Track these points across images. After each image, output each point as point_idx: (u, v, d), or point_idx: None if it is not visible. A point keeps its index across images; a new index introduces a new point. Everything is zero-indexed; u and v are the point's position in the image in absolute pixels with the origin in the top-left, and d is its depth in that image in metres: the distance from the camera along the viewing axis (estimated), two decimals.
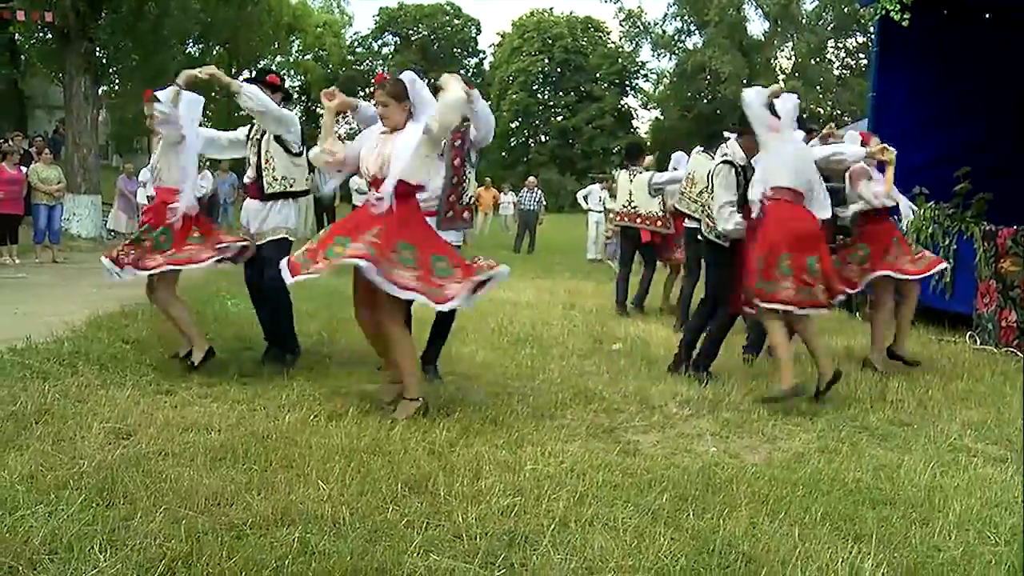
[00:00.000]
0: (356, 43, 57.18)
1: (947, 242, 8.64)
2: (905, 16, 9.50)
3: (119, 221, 17.49)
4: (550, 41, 54.37)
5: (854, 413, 5.30)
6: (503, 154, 53.26)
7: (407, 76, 5.19)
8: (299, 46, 51.39)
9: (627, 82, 53.96)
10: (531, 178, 23.50)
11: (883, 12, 9.78)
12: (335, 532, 3.05)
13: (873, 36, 10.66)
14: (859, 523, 3.34)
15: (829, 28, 42.58)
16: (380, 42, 57.47)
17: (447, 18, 56.91)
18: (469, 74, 58.59)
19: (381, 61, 57.00)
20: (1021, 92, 10.02)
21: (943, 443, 4.65)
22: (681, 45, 47.62)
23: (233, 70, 45.42)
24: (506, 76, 54.72)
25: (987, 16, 10.23)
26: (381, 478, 3.58)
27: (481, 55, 59.50)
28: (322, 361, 6.26)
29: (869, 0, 10.25)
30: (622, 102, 54.96)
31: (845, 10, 40.52)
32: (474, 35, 58.57)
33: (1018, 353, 7.47)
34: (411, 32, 56.61)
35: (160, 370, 5.61)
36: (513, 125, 56.45)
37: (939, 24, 9.75)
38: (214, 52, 35.71)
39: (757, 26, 44.74)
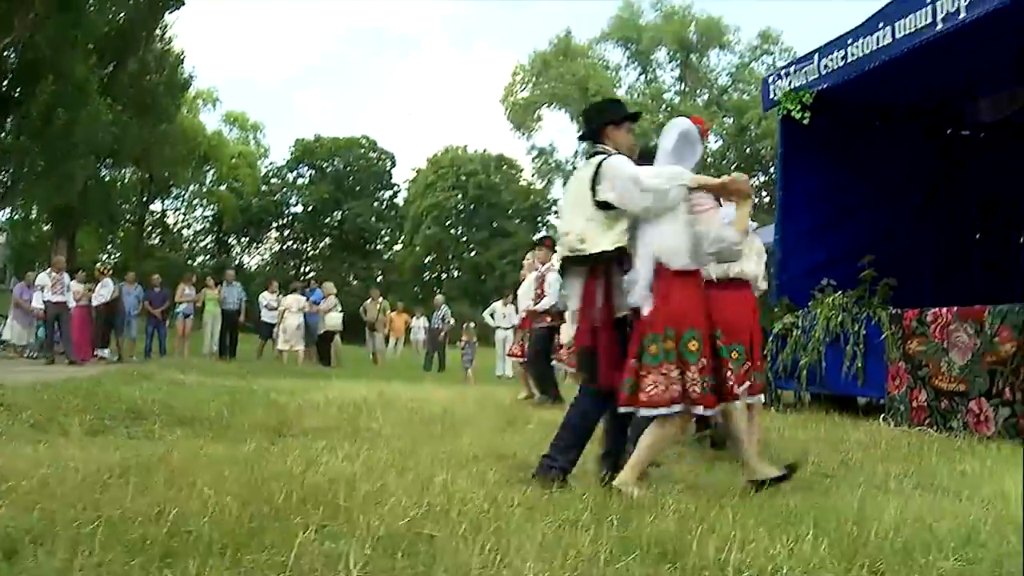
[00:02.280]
0: (271, 174, 57.40)
1: (856, 328, 8.74)
2: (805, 115, 9.89)
3: (14, 332, 16.99)
4: (464, 177, 55.39)
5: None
6: (415, 288, 53.31)
7: None
8: (214, 175, 51.46)
9: (539, 218, 55.08)
10: (437, 297, 23.74)
11: (785, 112, 10.17)
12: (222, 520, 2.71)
13: (777, 140, 11.03)
14: (796, 524, 3.13)
15: (732, 168, 44.56)
16: (295, 173, 57.77)
17: (362, 151, 57.67)
18: (383, 207, 59.17)
19: (295, 192, 57.25)
20: (918, 187, 10.46)
21: (869, 484, 4.51)
22: None
23: (146, 196, 45.33)
24: (420, 211, 55.29)
25: (877, 123, 10.71)
26: (276, 492, 3.26)
27: (395, 188, 60.20)
28: None
29: (772, 103, 10.65)
30: (534, 238, 55.71)
31: (747, 150, 42.57)
32: (389, 169, 59.34)
33: (931, 431, 7.46)
34: (326, 164, 57.10)
35: None
36: (426, 260, 56.80)
37: (838, 124, 10.13)
38: (126, 173, 35.58)
39: None
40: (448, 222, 56.31)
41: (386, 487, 3.46)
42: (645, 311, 4.18)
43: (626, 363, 4.18)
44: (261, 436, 5.41)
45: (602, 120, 4.77)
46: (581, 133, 5.05)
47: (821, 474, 5.00)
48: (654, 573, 2.50)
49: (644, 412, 4.07)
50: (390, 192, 60.19)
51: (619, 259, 4.40)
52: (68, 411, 6.17)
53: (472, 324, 22.27)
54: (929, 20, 8.26)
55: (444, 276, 57.34)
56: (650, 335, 4.11)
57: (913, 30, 8.45)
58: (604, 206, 4.38)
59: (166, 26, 29.34)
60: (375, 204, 58.72)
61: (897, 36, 8.68)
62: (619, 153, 4.56)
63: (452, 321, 22.64)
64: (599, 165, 4.46)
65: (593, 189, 4.42)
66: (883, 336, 8.34)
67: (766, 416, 8.66)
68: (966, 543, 2.90)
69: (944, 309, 7.83)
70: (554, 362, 10.43)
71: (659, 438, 4.13)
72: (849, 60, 9.41)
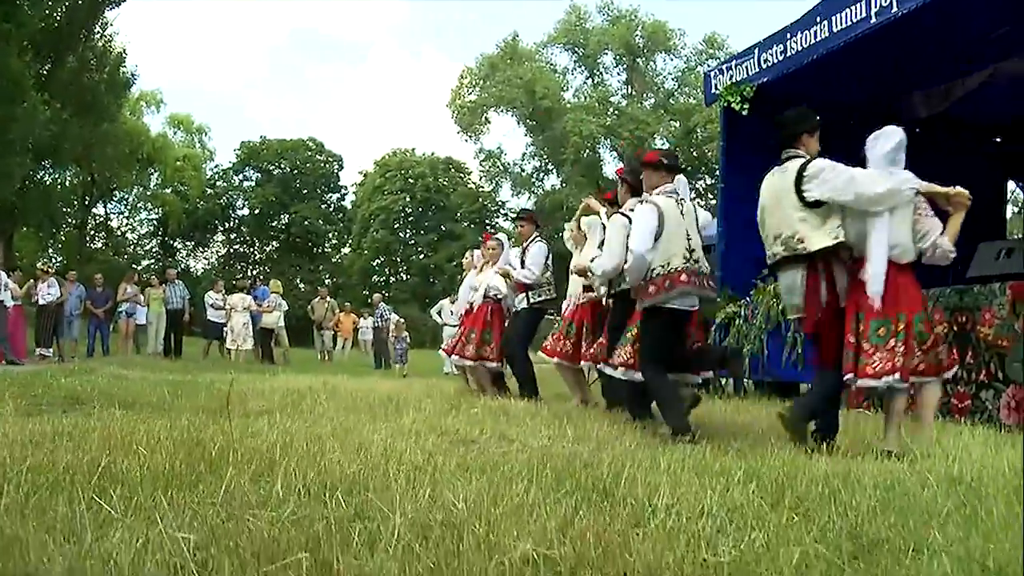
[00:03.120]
0: (217, 176, 56.67)
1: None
2: (745, 106, 10.05)
3: None
4: (412, 180, 55.17)
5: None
6: (364, 291, 52.95)
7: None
8: (158, 178, 50.68)
9: (487, 220, 55.03)
10: (376, 296, 23.93)
11: (726, 104, 10.33)
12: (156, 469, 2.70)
13: (720, 132, 11.19)
14: (729, 475, 3.20)
15: (682, 168, 44.61)
16: (241, 176, 57.09)
17: (309, 153, 57.15)
18: (330, 210, 58.72)
19: (241, 195, 56.59)
20: None
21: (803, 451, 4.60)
22: (539, 184, 49.31)
23: (88, 199, 44.45)
24: (368, 214, 54.98)
25: (818, 118, 10.88)
26: (213, 450, 3.24)
27: (343, 191, 59.77)
28: None
29: (714, 97, 10.81)
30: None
31: (694, 153, 42.96)
32: (336, 171, 58.87)
33: (868, 412, 7.61)
34: (272, 166, 56.48)
35: None
36: (375, 263, 56.46)
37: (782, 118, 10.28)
38: (67, 175, 34.89)
39: (612, 166, 46.79)
40: (396, 225, 56.07)
41: (324, 449, 3.46)
42: (876, 301, 4.73)
43: (846, 341, 4.80)
44: (203, 416, 5.35)
45: (800, 128, 5.26)
46: (779, 139, 5.37)
47: (759, 444, 5.09)
48: (583, 510, 2.55)
49: (864, 383, 4.74)
50: (337, 195, 59.79)
51: (836, 253, 4.94)
52: (2, 398, 6.04)
53: (402, 320, 22.42)
54: (864, 14, 8.44)
55: (392, 279, 57.05)
56: (880, 319, 4.70)
57: (848, 24, 8.63)
58: (814, 204, 4.92)
59: (107, 23, 28.78)
60: (322, 207, 58.24)
61: (833, 30, 8.86)
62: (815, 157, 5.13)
63: (395, 318, 22.70)
64: (802, 167, 4.98)
65: (799, 191, 4.95)
66: None
67: (711, 402, 8.81)
68: (888, 489, 2.99)
69: None
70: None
71: (901, 404, 4.81)
72: (788, 54, 9.57)
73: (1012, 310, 6.63)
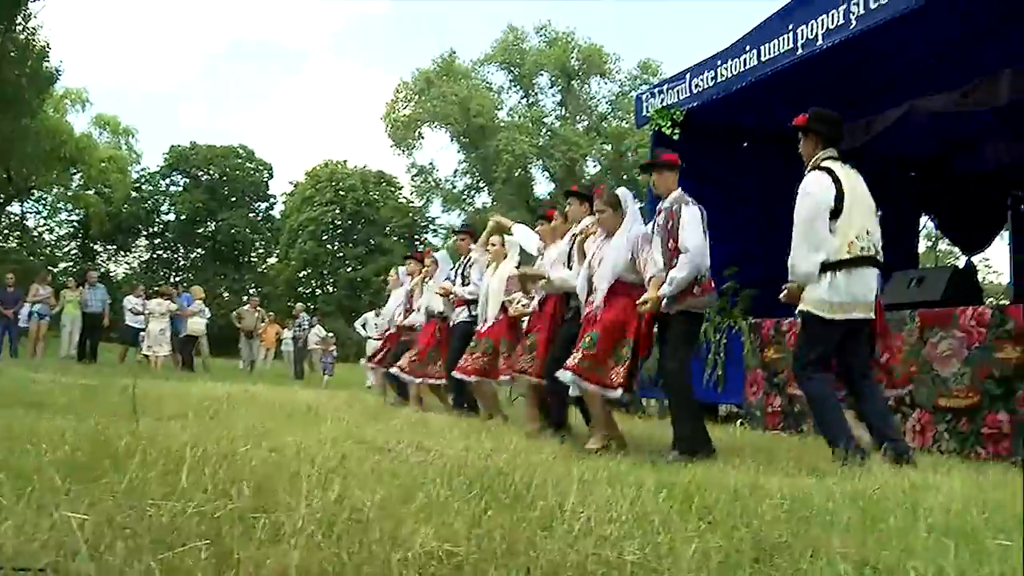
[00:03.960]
0: (143, 180, 55.52)
1: (718, 337, 9.06)
2: (675, 131, 10.23)
3: None
4: (342, 193, 54.77)
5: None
6: (289, 302, 52.35)
7: (623, 191, 6.19)
8: (81, 179, 49.44)
9: (416, 236, 54.91)
10: (298, 305, 23.74)
11: (656, 128, 10.49)
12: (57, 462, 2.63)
13: (649, 155, 11.32)
14: (640, 485, 3.24)
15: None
16: (168, 180, 56.02)
17: (239, 161, 56.35)
18: (258, 219, 57.96)
19: (168, 199, 55.51)
20: (782, 206, 10.86)
21: (717, 466, 4.69)
22: (470, 201, 49.33)
23: (2, 197, 43.07)
24: (296, 224, 54.43)
25: (744, 144, 11.14)
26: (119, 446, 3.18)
27: (272, 200, 59.07)
28: None
29: (644, 120, 10.97)
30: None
31: (624, 177, 43.45)
32: (266, 180, 58.16)
33: (783, 434, 7.78)
34: (201, 172, 55.52)
35: None
36: (301, 274, 55.86)
37: (707, 143, 10.49)
38: None
39: (543, 186, 47.17)
40: (325, 237, 55.59)
41: (235, 449, 3.42)
42: None
43: None
44: (114, 417, 5.23)
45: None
46: (832, 134, 5.50)
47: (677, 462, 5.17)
48: (492, 511, 2.56)
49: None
50: (266, 204, 59.11)
51: None
52: None
53: (332, 334, 22.29)
54: (790, 46, 8.66)
55: (319, 291, 56.47)
56: None
57: (776, 55, 8.85)
58: None
59: (30, 15, 27.98)
60: (250, 215, 57.45)
61: (762, 59, 9.07)
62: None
63: (324, 333, 22.53)
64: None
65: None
66: (743, 345, 8.68)
67: (630, 422, 8.91)
68: (793, 500, 3.07)
69: (792, 320, 8.19)
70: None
71: None
72: (718, 80, 9.77)
73: (920, 336, 6.85)
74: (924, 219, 13.51)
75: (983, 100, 9.74)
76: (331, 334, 22.82)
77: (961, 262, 13.61)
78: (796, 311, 5.36)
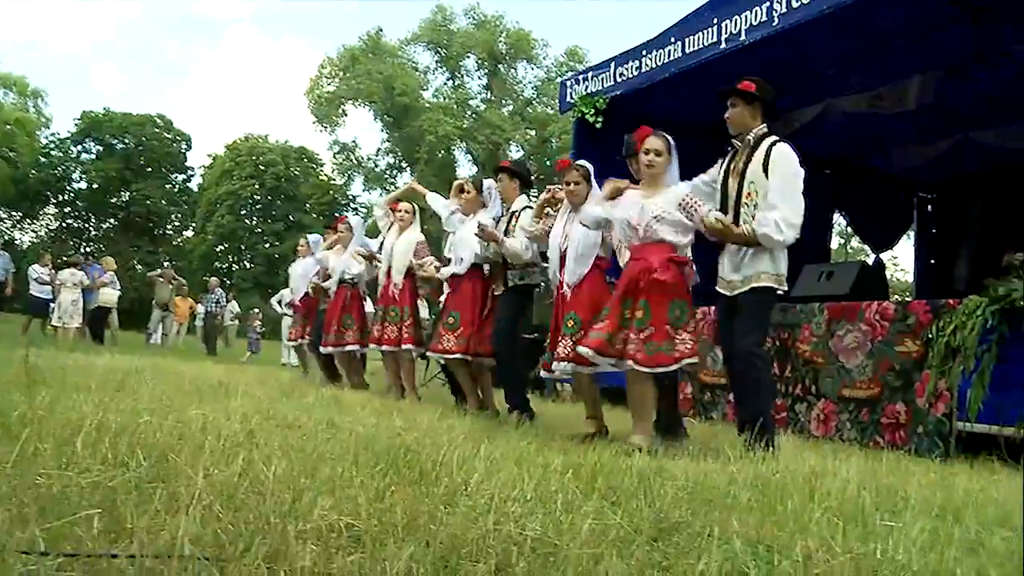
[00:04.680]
0: (52, 145, 53.60)
1: None
2: (598, 120, 10.28)
3: None
4: (262, 167, 53.81)
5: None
6: (205, 276, 51.35)
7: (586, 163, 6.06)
8: None
9: (337, 214, 54.26)
10: (212, 279, 23.16)
11: (580, 115, 10.54)
12: None
13: (571, 142, 11.39)
14: (546, 466, 3.27)
15: (533, 178, 45.21)
16: (80, 147, 54.16)
17: (156, 130, 54.75)
18: (174, 191, 56.61)
19: (79, 167, 53.70)
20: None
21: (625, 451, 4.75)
22: (392, 181, 48.89)
23: None
24: (214, 198, 53.33)
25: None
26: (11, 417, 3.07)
27: (190, 172, 57.68)
28: None
29: (568, 106, 11.02)
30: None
31: (547, 162, 43.62)
32: (184, 151, 56.72)
33: (694, 421, 7.91)
34: (115, 140, 53.81)
35: None
36: (218, 248, 54.77)
37: (630, 132, 10.57)
38: None
39: (466, 169, 47.01)
40: (243, 211, 54.64)
41: (138, 421, 3.34)
42: None
43: None
44: (9, 388, 5.05)
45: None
46: (771, 114, 5.30)
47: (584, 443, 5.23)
48: (396, 487, 2.56)
49: None
50: (183, 176, 57.68)
51: None
52: None
53: (256, 310, 21.95)
54: (714, 39, 8.79)
55: (235, 266, 55.50)
56: None
57: (700, 47, 8.96)
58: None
59: None
60: (167, 187, 56.00)
61: (686, 51, 9.18)
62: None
63: (226, 303, 22.11)
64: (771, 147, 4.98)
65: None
66: None
67: (545, 403, 8.98)
68: (697, 482, 3.14)
69: (712, 307, 8.33)
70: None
71: None
72: (642, 70, 9.85)
73: (828, 329, 7.05)
74: (837, 216, 13.90)
75: (894, 103, 10.06)
76: (255, 310, 22.43)
77: (872, 259, 14.00)
78: (752, 287, 5.07)
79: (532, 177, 7.00)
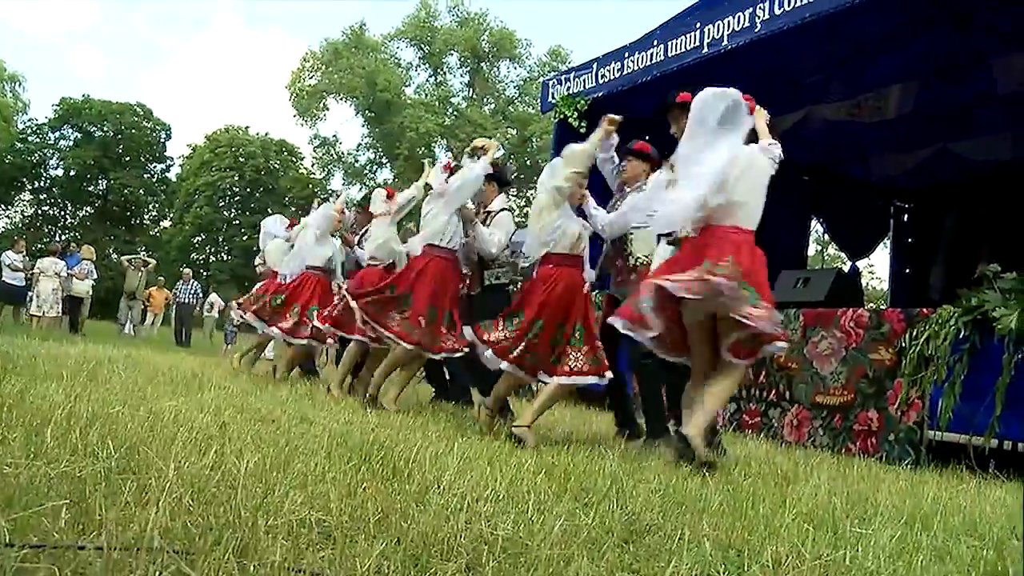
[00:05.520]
0: (30, 131, 53.01)
1: None
2: (582, 124, 10.27)
3: None
4: (242, 159, 53.41)
5: None
6: (181, 267, 51.00)
7: None
8: None
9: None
10: (187, 270, 22.90)
11: (561, 116, 10.55)
12: None
13: (551, 143, 11.39)
14: (519, 466, 3.27)
15: (513, 176, 45.54)
16: (58, 134, 53.54)
17: (136, 119, 54.22)
18: (153, 181, 56.17)
19: (56, 154, 53.12)
20: None
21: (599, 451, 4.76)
22: (372, 176, 48.78)
23: None
24: (193, 188, 52.92)
25: (647, 137, 11.30)
26: None
27: (168, 162, 57.19)
28: None
29: (550, 106, 11.02)
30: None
31: (528, 163, 43.66)
32: (163, 141, 56.25)
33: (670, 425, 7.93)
34: (94, 128, 53.27)
35: None
36: (195, 240, 54.30)
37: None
38: None
39: None
40: (221, 203, 54.19)
41: (109, 411, 3.31)
42: None
43: None
44: None
45: None
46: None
47: (560, 443, 5.23)
48: (368, 483, 2.55)
49: None
50: (163, 165, 57.17)
51: None
52: None
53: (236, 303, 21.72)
54: (696, 43, 8.83)
55: (213, 258, 55.09)
56: None
57: (682, 51, 9.01)
58: None
59: None
60: (145, 176, 55.50)
61: (669, 54, 9.22)
62: None
63: (210, 297, 21.95)
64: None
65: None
66: None
67: (520, 403, 8.97)
68: (670, 485, 3.16)
69: None
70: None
71: None
72: (624, 72, 9.88)
73: (803, 335, 7.09)
74: (814, 223, 13.99)
75: (874, 112, 10.15)
76: (235, 302, 22.24)
77: (848, 267, 14.10)
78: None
79: (513, 176, 6.98)
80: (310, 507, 2.16)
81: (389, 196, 7.75)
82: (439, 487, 2.64)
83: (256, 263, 10.58)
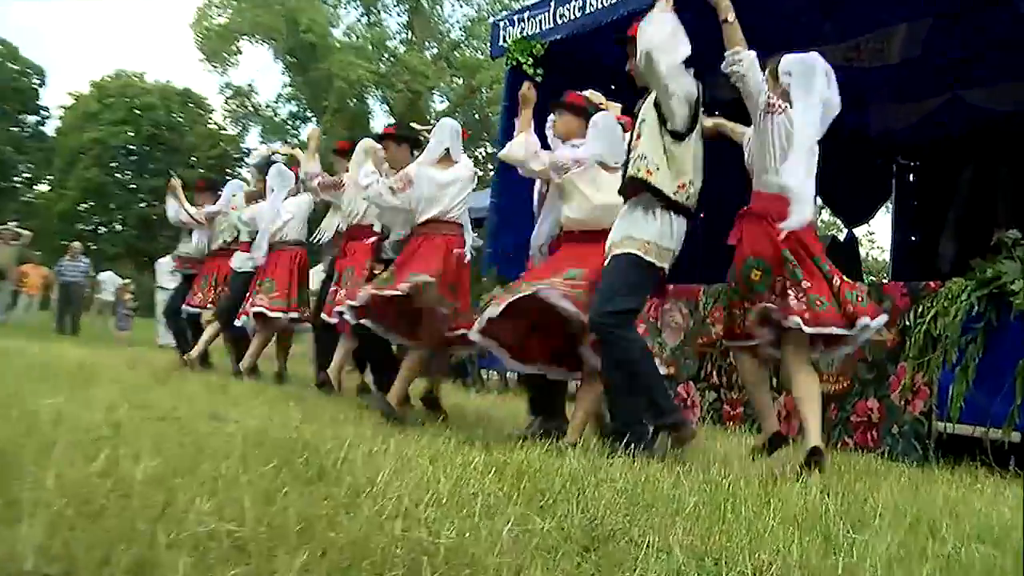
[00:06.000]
0: None
1: None
2: (538, 72, 10.25)
3: None
4: (138, 112, 52.48)
5: None
6: (63, 241, 50.17)
7: None
8: None
9: (229, 169, 53.41)
10: (75, 243, 22.28)
11: (514, 63, 10.52)
12: None
13: (503, 92, 11.36)
14: (465, 465, 3.30)
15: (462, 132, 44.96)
16: None
17: None
18: (24, 136, 55.05)
19: None
20: None
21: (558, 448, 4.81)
22: (295, 132, 48.33)
23: None
24: (77, 146, 51.91)
25: (612, 87, 11.33)
26: None
27: (44, 114, 56.03)
28: None
29: (501, 50, 10.99)
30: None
31: (476, 116, 43.63)
32: (36, 87, 55.11)
33: None
34: None
35: None
36: (81, 207, 53.32)
37: (570, 83, 10.59)
38: None
39: (381, 120, 46.58)
40: (113, 163, 53.22)
41: None
42: None
43: None
44: None
45: None
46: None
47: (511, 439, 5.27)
48: (290, 488, 2.56)
49: None
50: (36, 118, 55.98)
51: None
52: None
53: (129, 281, 21.42)
54: None
55: (103, 229, 54.20)
56: None
57: None
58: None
59: None
60: (13, 130, 54.25)
61: None
62: None
63: (106, 276, 21.58)
64: None
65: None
66: None
67: (467, 393, 9.02)
68: (638, 485, 3.20)
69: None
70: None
71: None
72: (587, 11, 9.86)
73: None
74: None
75: (875, 56, 10.21)
76: (127, 281, 21.87)
77: (844, 235, 14.26)
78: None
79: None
80: (220, 517, 2.15)
81: None
82: (372, 490, 2.65)
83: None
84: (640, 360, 4.86)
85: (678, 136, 4.89)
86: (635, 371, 4.80)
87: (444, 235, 6.34)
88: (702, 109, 5.11)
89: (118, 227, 53.96)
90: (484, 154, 42.83)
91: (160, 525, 2.02)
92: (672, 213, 4.90)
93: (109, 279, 23.01)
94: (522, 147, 5.74)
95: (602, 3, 9.61)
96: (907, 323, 6.31)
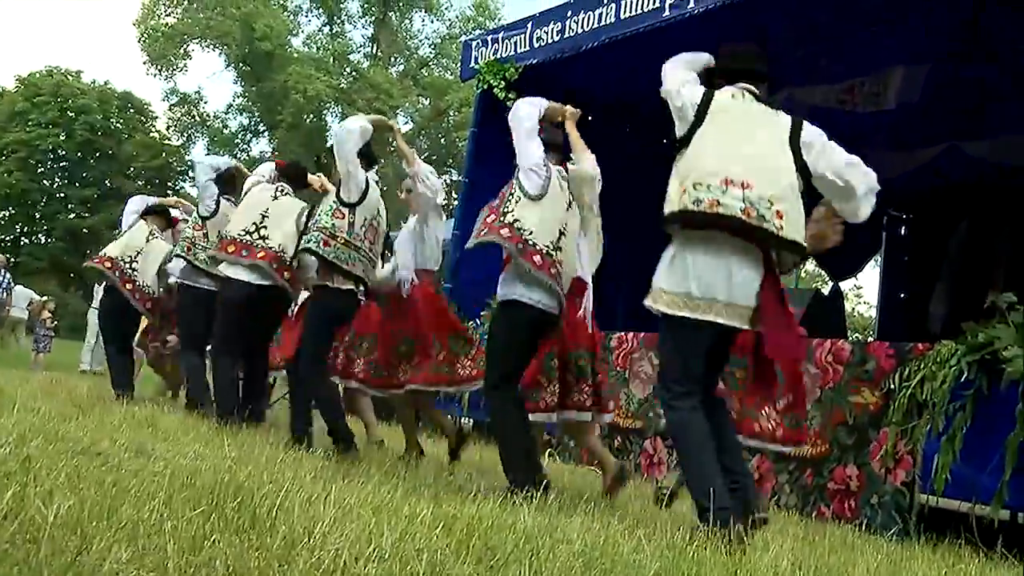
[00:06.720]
0: None
1: None
2: (509, 97, 10.30)
3: None
4: (71, 114, 52.12)
5: None
6: None
7: None
8: None
9: (170, 182, 53.21)
10: None
11: (485, 86, 10.59)
12: None
13: (471, 118, 11.43)
14: (412, 517, 3.30)
15: (425, 158, 45.19)
16: None
17: None
18: None
19: None
20: (625, 196, 11.23)
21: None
22: (245, 147, 48.27)
23: None
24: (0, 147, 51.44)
25: (589, 117, 11.42)
26: None
27: None
28: None
29: (471, 72, 11.07)
30: None
31: (442, 140, 43.79)
32: None
33: (597, 471, 8.02)
34: None
35: None
36: (2, 215, 52.77)
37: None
38: None
39: None
40: (40, 169, 52.82)
41: None
42: None
43: None
44: None
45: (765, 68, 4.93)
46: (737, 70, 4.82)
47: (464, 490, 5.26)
48: (219, 535, 2.55)
49: None
50: None
51: None
52: None
53: (48, 298, 21.15)
54: (657, 5, 8.95)
55: (26, 240, 53.64)
56: None
57: (638, 13, 9.14)
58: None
59: None
60: None
61: (621, 17, 9.33)
62: None
63: (14, 285, 21.30)
64: (798, 124, 4.50)
65: (798, 154, 4.41)
66: None
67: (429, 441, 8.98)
68: (594, 547, 3.21)
69: (631, 334, 8.44)
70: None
71: None
72: (566, 35, 9.97)
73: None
74: None
75: (870, 100, 10.34)
76: (46, 297, 21.57)
77: (828, 288, 14.35)
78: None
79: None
80: (140, 566, 2.14)
81: None
82: (309, 541, 2.64)
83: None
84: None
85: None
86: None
87: None
88: None
89: (43, 238, 53.44)
90: (449, 181, 42.92)
91: (71, 574, 2.00)
92: None
93: (21, 293, 22.55)
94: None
95: (583, 27, 9.71)
96: (892, 386, 6.34)
